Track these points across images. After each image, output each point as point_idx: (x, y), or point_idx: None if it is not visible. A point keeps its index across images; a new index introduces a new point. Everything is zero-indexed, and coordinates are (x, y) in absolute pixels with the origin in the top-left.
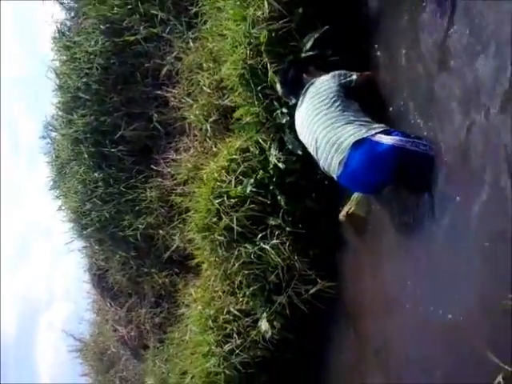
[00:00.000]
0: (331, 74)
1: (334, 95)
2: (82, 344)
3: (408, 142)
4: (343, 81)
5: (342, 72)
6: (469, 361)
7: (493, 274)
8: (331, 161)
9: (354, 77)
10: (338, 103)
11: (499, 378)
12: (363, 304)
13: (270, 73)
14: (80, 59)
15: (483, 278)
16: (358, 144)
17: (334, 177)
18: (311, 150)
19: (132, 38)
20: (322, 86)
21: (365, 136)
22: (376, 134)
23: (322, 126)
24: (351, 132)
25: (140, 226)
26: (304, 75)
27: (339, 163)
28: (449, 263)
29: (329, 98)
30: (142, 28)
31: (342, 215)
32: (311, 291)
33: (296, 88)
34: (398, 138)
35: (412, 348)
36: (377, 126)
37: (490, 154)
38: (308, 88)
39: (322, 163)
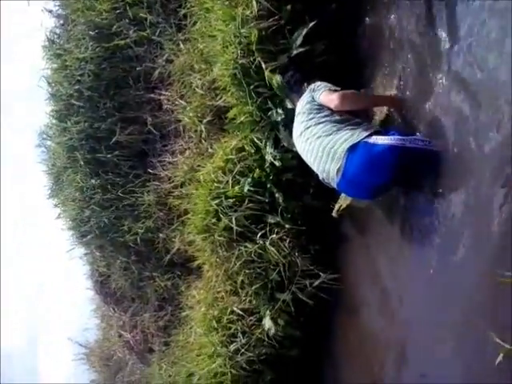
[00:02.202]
0: (308, 88)
1: (315, 108)
2: (87, 350)
3: (406, 140)
4: (312, 96)
5: (312, 86)
6: (471, 341)
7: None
8: (329, 170)
9: (318, 94)
10: (322, 113)
11: (500, 357)
12: (365, 297)
13: (266, 72)
14: (71, 66)
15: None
16: (353, 149)
17: (334, 185)
18: (309, 163)
19: (122, 43)
20: (303, 103)
21: (359, 139)
22: (370, 135)
23: (314, 138)
24: (344, 138)
25: (139, 231)
26: (305, 84)
27: (337, 171)
28: (448, 255)
29: (313, 113)
30: (131, 32)
31: (334, 212)
32: (315, 283)
33: (298, 95)
34: (395, 137)
35: (414, 337)
36: (369, 127)
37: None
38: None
39: (320, 175)
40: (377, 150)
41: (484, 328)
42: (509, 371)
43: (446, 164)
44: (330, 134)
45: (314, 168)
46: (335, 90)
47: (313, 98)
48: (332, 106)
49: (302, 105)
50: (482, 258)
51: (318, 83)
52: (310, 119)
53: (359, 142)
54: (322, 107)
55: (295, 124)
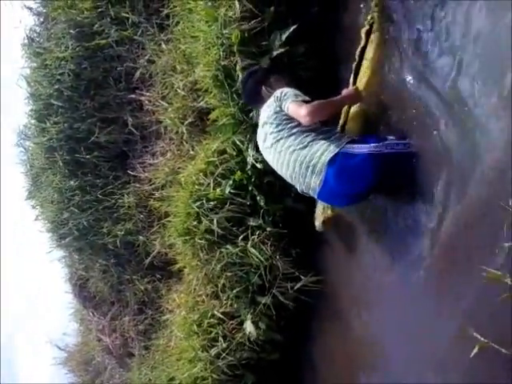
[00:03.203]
0: (273, 95)
1: (284, 119)
2: (66, 354)
3: (382, 145)
4: (280, 106)
5: (279, 95)
6: (447, 336)
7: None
8: (309, 183)
9: (286, 104)
10: (292, 124)
11: (475, 350)
12: (346, 299)
13: (237, 69)
14: (51, 65)
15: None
16: (332, 161)
17: (315, 196)
18: (284, 175)
19: (103, 42)
20: (270, 112)
21: (337, 151)
22: (346, 144)
23: (288, 151)
24: (321, 150)
25: (119, 233)
26: (263, 87)
27: (319, 184)
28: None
29: (282, 124)
30: (112, 31)
31: (318, 226)
32: (296, 286)
33: (254, 100)
34: (371, 145)
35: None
36: (342, 135)
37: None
38: (260, 113)
39: (299, 187)
40: (355, 159)
41: (461, 322)
42: (483, 364)
43: (423, 164)
44: (306, 147)
45: (290, 181)
46: (303, 101)
47: (280, 108)
48: (302, 121)
49: (268, 114)
50: (462, 254)
51: (285, 91)
52: (280, 130)
53: (337, 153)
54: (290, 118)
55: (261, 133)
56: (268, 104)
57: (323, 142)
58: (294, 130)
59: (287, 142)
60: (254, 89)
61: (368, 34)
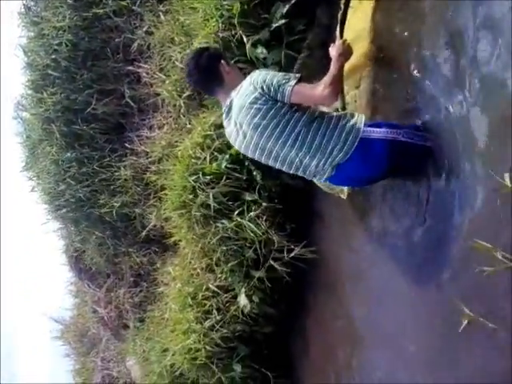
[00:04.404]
0: (251, 83)
1: (277, 107)
2: (62, 326)
3: (399, 132)
4: (264, 92)
5: (262, 78)
6: (437, 309)
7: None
8: (319, 169)
9: (287, 91)
10: (288, 111)
11: (464, 324)
12: (339, 273)
13: (247, 45)
14: (48, 35)
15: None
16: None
17: (322, 180)
18: (277, 167)
19: (101, 12)
20: (246, 101)
21: (359, 135)
22: (364, 128)
23: (288, 143)
24: (346, 130)
25: (116, 205)
26: (221, 68)
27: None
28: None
29: (276, 114)
30: (110, 1)
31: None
32: (291, 254)
33: (210, 80)
34: (388, 129)
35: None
36: (357, 117)
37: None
38: (232, 103)
39: (301, 173)
40: (372, 144)
41: (450, 296)
42: (472, 337)
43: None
44: (323, 131)
45: (289, 170)
46: (299, 80)
47: (271, 96)
48: (323, 102)
49: (246, 104)
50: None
51: (269, 76)
52: (272, 119)
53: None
54: (286, 104)
55: (236, 131)
56: (243, 93)
57: (335, 129)
58: (295, 117)
59: (282, 133)
60: (211, 65)
61: None
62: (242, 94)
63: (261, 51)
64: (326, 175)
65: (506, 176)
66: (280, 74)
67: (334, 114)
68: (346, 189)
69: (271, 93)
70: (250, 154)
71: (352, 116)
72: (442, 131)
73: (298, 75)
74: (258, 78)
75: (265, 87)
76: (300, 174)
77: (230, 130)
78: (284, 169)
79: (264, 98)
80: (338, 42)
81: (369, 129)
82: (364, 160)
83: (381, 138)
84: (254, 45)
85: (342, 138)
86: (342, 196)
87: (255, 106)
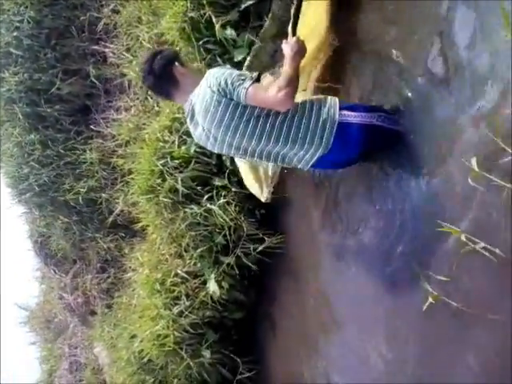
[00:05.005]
0: (208, 85)
1: (238, 106)
2: (28, 313)
3: (374, 116)
4: (227, 93)
5: (220, 81)
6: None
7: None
8: (303, 158)
9: (242, 93)
10: (250, 107)
11: (428, 303)
12: (306, 260)
13: (217, 27)
14: (9, 11)
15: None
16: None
17: (305, 168)
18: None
19: None
20: (210, 103)
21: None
22: (341, 112)
23: (265, 142)
24: (322, 118)
25: (81, 190)
26: (175, 70)
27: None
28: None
29: (242, 113)
30: None
31: (265, 198)
32: (259, 249)
33: (165, 84)
34: (363, 113)
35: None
36: (330, 100)
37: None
38: (194, 108)
39: (288, 164)
40: (348, 128)
41: (415, 274)
42: (435, 316)
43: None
44: (297, 122)
45: (270, 160)
46: (257, 79)
47: (225, 96)
48: (279, 108)
49: (209, 111)
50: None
51: (225, 75)
52: (238, 118)
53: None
54: (245, 107)
55: (205, 135)
56: (203, 97)
57: (310, 117)
58: (265, 111)
59: (258, 128)
60: (163, 69)
61: None
62: (203, 99)
63: (230, 33)
64: (308, 165)
65: (473, 160)
66: (235, 73)
67: (307, 99)
68: (266, 193)
69: (227, 95)
70: (224, 152)
71: (325, 100)
72: (410, 115)
73: (254, 75)
74: (213, 80)
75: (221, 90)
76: (280, 164)
77: (199, 134)
78: (263, 161)
79: (225, 100)
80: (292, 39)
81: (344, 112)
82: (342, 144)
83: (357, 122)
84: (224, 26)
85: (319, 128)
86: (262, 199)
87: (220, 109)
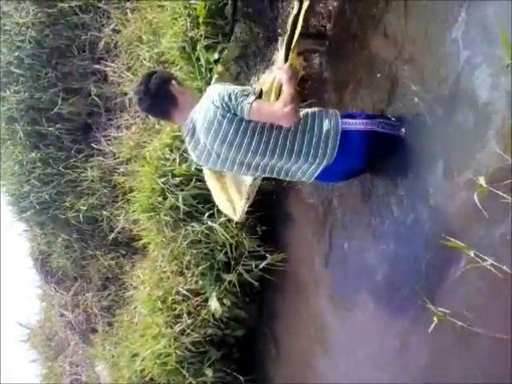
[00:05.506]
0: (211, 100)
1: (243, 119)
2: (29, 331)
3: (375, 123)
4: (230, 109)
5: (222, 98)
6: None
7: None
8: (307, 171)
9: (245, 109)
10: (253, 123)
11: (434, 324)
12: (308, 276)
13: (198, 46)
14: (10, 31)
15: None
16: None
17: (309, 180)
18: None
19: (66, 6)
20: (211, 123)
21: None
22: (342, 120)
23: (269, 156)
24: (325, 129)
25: (82, 208)
26: (173, 89)
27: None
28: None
29: (245, 128)
30: None
31: (239, 217)
32: (261, 265)
33: (163, 104)
34: (364, 121)
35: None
36: (331, 111)
37: None
38: (195, 124)
39: (291, 177)
40: (350, 136)
41: (421, 295)
42: (442, 337)
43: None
44: (300, 136)
45: (263, 174)
46: (260, 95)
47: (229, 111)
48: (283, 123)
49: (212, 128)
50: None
51: (229, 91)
52: (248, 136)
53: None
54: (249, 122)
55: (207, 152)
56: (205, 114)
57: (313, 130)
58: (267, 127)
59: (262, 143)
60: (160, 89)
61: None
62: (206, 115)
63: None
64: (313, 178)
65: (482, 177)
66: (238, 88)
67: (309, 111)
68: (240, 212)
69: (231, 110)
70: (226, 169)
71: (326, 112)
72: (411, 121)
73: (257, 90)
74: (216, 95)
75: (224, 105)
76: (283, 177)
77: (200, 152)
78: (266, 175)
79: (229, 115)
80: (285, 65)
81: (344, 120)
82: (345, 153)
83: (359, 129)
84: (210, 47)
85: (323, 141)
86: (235, 218)
87: (223, 124)
